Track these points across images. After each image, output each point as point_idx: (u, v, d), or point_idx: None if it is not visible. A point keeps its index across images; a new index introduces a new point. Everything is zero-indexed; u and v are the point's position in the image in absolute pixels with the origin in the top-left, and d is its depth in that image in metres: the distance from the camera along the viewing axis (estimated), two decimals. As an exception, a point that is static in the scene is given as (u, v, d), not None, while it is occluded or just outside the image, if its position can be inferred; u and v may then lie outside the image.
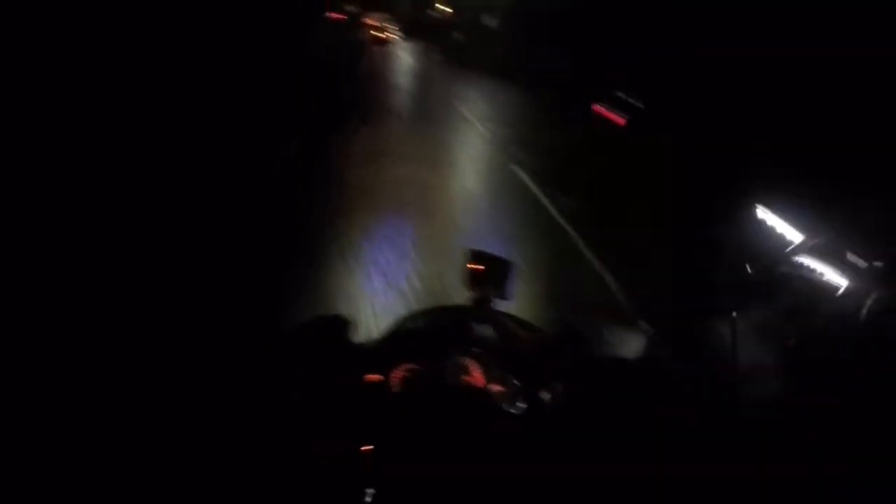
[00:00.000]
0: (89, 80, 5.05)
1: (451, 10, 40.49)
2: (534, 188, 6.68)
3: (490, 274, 1.37)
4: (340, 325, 1.01)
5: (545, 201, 6.21)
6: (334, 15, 40.25)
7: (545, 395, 0.89)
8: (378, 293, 3.39)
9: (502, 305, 1.36)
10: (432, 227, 4.85)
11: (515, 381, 0.90)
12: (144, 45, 6.55)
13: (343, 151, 6.94)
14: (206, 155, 5.08)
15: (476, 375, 0.90)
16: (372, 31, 34.00)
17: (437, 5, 42.72)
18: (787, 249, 2.42)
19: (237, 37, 10.64)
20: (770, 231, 2.71)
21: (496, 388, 0.89)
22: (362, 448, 0.77)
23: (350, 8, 44.19)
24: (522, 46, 22.87)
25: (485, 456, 0.77)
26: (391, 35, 37.80)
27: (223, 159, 5.22)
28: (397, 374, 0.89)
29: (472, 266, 1.38)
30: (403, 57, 25.74)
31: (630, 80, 11.80)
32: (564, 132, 10.65)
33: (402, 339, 1.05)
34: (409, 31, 43.52)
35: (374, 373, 0.89)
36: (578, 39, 19.54)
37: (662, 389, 0.94)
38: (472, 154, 8.37)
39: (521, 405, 0.88)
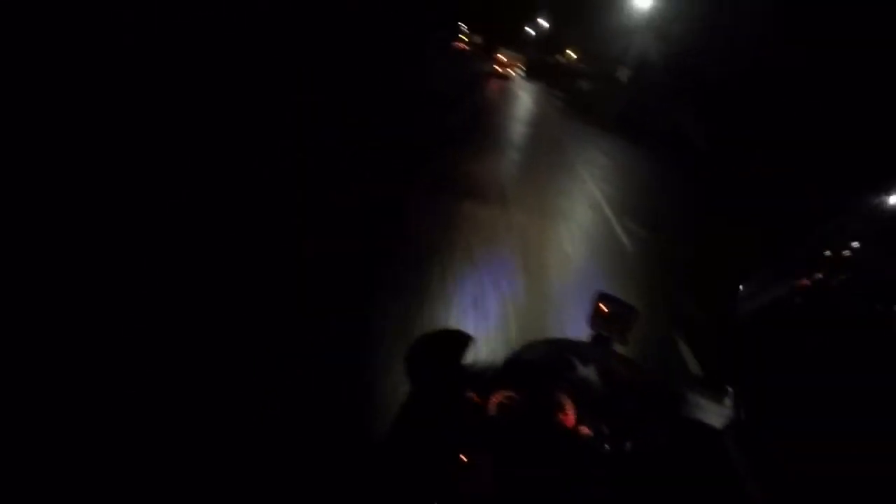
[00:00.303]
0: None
1: (576, 57, 38.93)
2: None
3: (613, 317, 1.41)
4: (462, 341, 1.15)
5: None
6: (460, 45, 40.89)
7: (628, 445, 0.91)
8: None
9: (618, 348, 1.38)
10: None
11: (605, 427, 0.91)
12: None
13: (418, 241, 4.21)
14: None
15: (569, 415, 0.91)
16: (494, 66, 34.07)
17: (566, 51, 41.28)
18: None
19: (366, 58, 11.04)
20: None
21: (585, 430, 0.90)
22: (461, 456, 0.84)
23: (476, 39, 44.76)
24: (653, 105, 20.76)
25: (557, 491, 0.83)
26: (513, 72, 37.61)
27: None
28: (496, 399, 0.92)
29: (599, 306, 1.43)
30: (522, 97, 23.84)
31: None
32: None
33: (511, 365, 1.06)
34: (533, 72, 42.59)
35: (477, 392, 0.92)
36: (716, 108, 17.14)
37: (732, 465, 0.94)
38: (609, 289, 3.94)
39: (605, 450, 0.89)
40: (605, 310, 1.42)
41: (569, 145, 12.24)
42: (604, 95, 23.42)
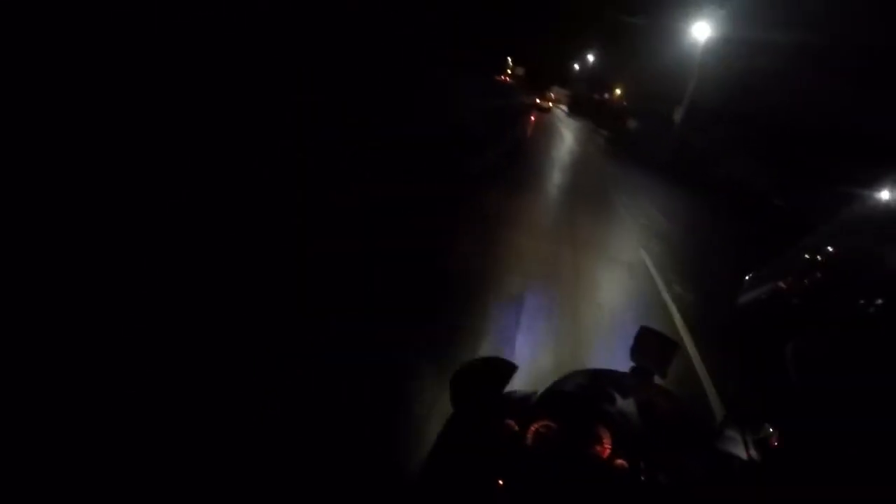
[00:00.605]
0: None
1: (622, 94, 36.91)
2: None
3: (654, 350, 1.41)
4: (505, 369, 1.15)
5: None
6: (503, 77, 39.99)
7: (663, 478, 0.90)
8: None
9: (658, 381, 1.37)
10: None
11: (640, 461, 0.90)
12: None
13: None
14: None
15: (605, 446, 0.90)
16: (537, 99, 34.71)
17: (614, 88, 39.33)
18: None
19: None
20: None
21: (620, 462, 0.89)
22: (499, 480, 0.87)
23: (518, 71, 43.62)
24: (707, 147, 18.47)
25: None
26: (555, 106, 37.16)
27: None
28: (533, 428, 0.92)
29: (641, 339, 1.43)
30: (564, 135, 21.93)
31: None
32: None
33: (551, 395, 1.05)
34: (577, 108, 40.91)
35: (516, 420, 0.93)
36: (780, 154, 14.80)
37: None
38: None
39: (640, 482, 0.88)
40: (647, 343, 1.42)
41: (618, 200, 9.80)
42: (654, 136, 21.29)
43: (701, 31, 19.15)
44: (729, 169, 16.99)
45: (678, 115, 20.00)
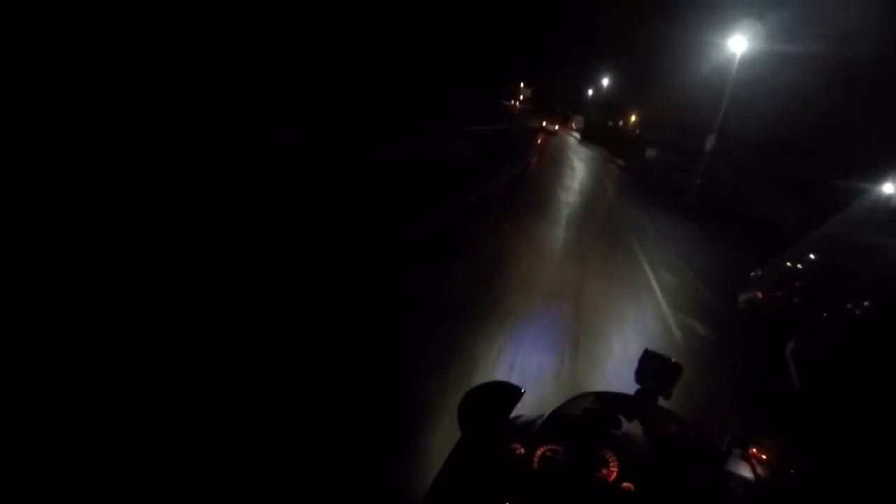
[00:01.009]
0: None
1: (638, 121, 34.49)
2: None
3: (659, 372, 1.39)
4: (511, 393, 1.13)
5: None
6: (512, 102, 38.03)
7: (670, 500, 0.89)
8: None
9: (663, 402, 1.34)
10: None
11: (647, 483, 0.89)
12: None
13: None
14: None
15: (612, 470, 0.89)
16: (544, 122, 34.06)
17: (629, 115, 36.86)
18: None
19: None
20: None
21: (627, 485, 0.88)
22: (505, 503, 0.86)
23: (526, 93, 41.59)
24: (739, 182, 16.44)
25: None
26: (566, 132, 36.19)
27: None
28: (540, 451, 0.92)
29: (645, 362, 1.41)
30: (577, 168, 19.17)
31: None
32: None
33: (557, 418, 1.03)
34: (590, 135, 38.60)
35: (522, 444, 0.93)
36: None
37: None
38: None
39: None
40: (652, 365, 1.40)
41: (651, 276, 6.45)
42: (678, 168, 18.72)
43: (737, 44, 16.34)
44: (771, 208, 14.31)
45: (709, 144, 17.16)
